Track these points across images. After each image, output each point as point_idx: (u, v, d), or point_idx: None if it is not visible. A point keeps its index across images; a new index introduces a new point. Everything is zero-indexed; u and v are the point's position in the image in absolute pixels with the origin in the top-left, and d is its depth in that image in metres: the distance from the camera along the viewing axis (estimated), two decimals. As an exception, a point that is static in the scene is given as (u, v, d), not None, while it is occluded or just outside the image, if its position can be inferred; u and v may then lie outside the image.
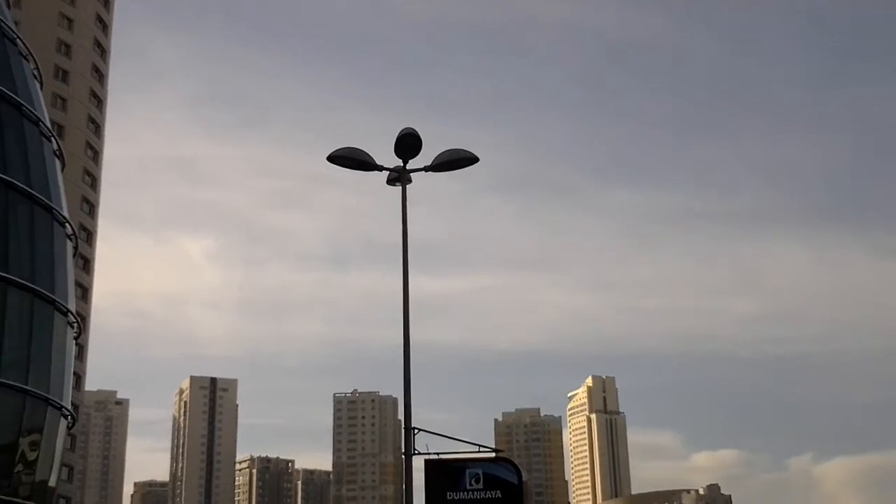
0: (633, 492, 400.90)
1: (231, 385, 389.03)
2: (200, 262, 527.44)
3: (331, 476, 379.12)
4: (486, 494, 19.30)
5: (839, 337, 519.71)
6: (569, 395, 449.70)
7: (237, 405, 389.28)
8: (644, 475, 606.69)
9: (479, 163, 21.11)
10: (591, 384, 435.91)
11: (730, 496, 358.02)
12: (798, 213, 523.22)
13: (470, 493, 19.31)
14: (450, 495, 19.25)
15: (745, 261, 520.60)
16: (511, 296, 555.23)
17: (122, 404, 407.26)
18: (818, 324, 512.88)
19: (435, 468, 19.37)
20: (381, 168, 21.24)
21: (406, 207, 21.32)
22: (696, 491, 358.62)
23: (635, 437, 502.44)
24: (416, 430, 19.62)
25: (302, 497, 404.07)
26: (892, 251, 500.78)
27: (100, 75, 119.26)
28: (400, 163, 21.08)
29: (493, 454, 20.18)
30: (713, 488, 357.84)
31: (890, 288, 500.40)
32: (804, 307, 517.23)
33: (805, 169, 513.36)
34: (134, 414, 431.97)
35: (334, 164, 20.86)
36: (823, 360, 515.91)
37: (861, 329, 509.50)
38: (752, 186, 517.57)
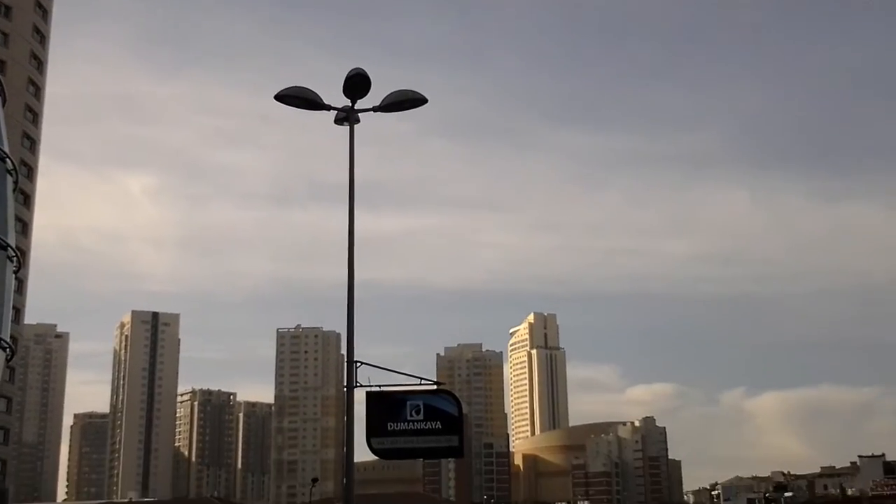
0: (571, 424, 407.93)
1: (173, 320, 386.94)
2: (142, 199, 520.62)
3: (272, 409, 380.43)
4: (426, 425, 19.69)
5: (775, 278, 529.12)
6: (511, 331, 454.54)
7: (179, 339, 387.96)
8: (581, 408, 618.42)
9: (428, 105, 21.32)
10: (532, 321, 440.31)
11: (664, 428, 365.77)
12: (739, 157, 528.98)
13: (410, 423, 19.69)
14: (390, 426, 19.65)
15: (685, 203, 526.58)
16: (456, 236, 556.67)
17: (62, 337, 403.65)
18: (755, 265, 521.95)
19: (376, 399, 19.77)
20: (328, 108, 21.35)
21: (353, 147, 21.56)
22: (632, 423, 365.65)
23: (574, 372, 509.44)
24: (358, 364, 19.91)
25: (243, 429, 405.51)
26: (830, 195, 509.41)
27: (43, 11, 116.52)
28: (348, 103, 21.26)
29: (434, 387, 20.47)
30: (648, 420, 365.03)
31: (825, 231, 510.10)
32: (742, 248, 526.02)
33: (747, 113, 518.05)
34: (74, 347, 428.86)
35: (282, 102, 20.98)
36: (758, 299, 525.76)
37: (796, 270, 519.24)
38: (695, 130, 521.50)
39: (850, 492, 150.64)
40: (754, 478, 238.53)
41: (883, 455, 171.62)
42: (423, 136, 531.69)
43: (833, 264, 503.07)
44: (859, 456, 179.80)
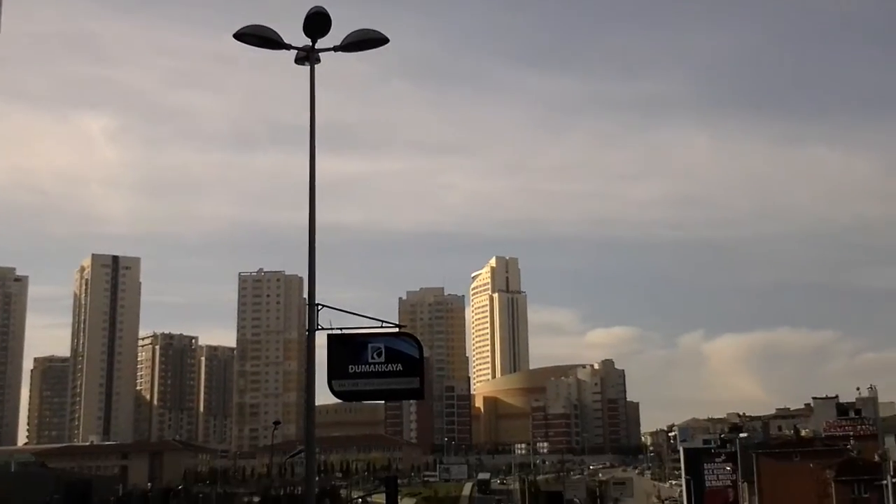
0: (531, 367, 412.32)
1: (134, 263, 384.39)
2: (100, 141, 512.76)
3: (234, 352, 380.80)
4: (387, 367, 19.80)
5: (734, 222, 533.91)
6: (473, 275, 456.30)
7: (140, 283, 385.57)
8: (542, 351, 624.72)
9: (390, 47, 21.10)
10: (494, 265, 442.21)
11: (623, 371, 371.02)
12: (703, 101, 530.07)
13: (372, 366, 19.78)
14: (352, 368, 19.71)
15: (648, 147, 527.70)
16: (419, 179, 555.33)
17: (22, 281, 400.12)
18: (715, 209, 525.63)
19: (337, 342, 19.79)
20: (288, 47, 21.04)
21: (314, 88, 21.31)
22: (591, 366, 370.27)
23: (535, 316, 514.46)
24: (319, 307, 19.90)
25: (205, 373, 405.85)
26: (793, 140, 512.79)
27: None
28: (309, 42, 20.98)
29: (396, 329, 20.55)
30: (607, 363, 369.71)
31: (788, 176, 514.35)
32: (702, 193, 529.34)
33: (712, 57, 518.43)
34: (34, 291, 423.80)
35: (241, 41, 20.65)
36: (717, 243, 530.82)
37: (755, 214, 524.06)
38: (660, 73, 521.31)
39: (803, 433, 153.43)
40: (710, 419, 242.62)
41: (836, 397, 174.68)
42: (385, 78, 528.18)
43: (792, 209, 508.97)
44: (813, 398, 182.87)
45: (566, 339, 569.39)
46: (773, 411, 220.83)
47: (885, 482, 63.58)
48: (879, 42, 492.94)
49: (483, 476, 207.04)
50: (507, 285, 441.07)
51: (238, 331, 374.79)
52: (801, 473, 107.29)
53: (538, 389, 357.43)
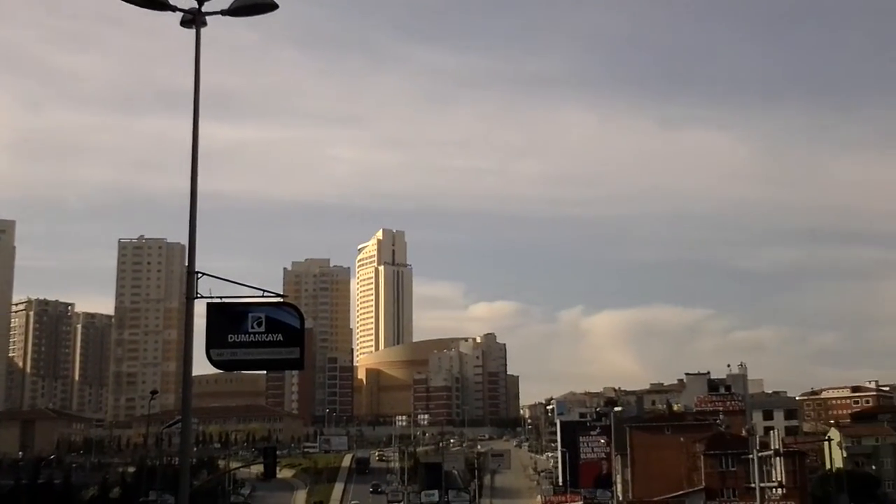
0: (415, 340, 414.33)
1: (8, 226, 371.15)
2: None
3: (112, 320, 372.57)
4: (267, 337, 19.69)
5: (615, 200, 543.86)
6: (359, 247, 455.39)
7: (14, 247, 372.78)
8: (426, 324, 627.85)
9: (279, 14, 20.87)
10: (380, 237, 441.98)
11: (504, 345, 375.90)
12: (593, 80, 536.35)
13: (252, 335, 19.64)
14: (231, 338, 19.55)
15: (536, 124, 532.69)
16: (306, 149, 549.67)
17: None
18: (598, 187, 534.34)
19: (217, 311, 19.59)
20: (174, 8, 20.67)
21: (199, 52, 20.98)
22: (473, 339, 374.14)
23: (420, 289, 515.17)
24: (199, 275, 19.66)
25: (81, 340, 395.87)
26: (678, 122, 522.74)
27: None
28: (195, 4, 20.65)
29: (277, 299, 20.45)
30: (489, 337, 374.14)
31: (672, 156, 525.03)
32: (587, 171, 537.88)
33: (603, 36, 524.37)
34: None
35: (126, 2, 20.19)
36: (598, 221, 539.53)
37: (637, 194, 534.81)
38: (550, 51, 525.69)
39: (675, 407, 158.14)
40: (587, 393, 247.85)
41: (708, 373, 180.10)
42: (273, 45, 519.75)
43: (671, 189, 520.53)
44: (686, 374, 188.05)
45: (449, 313, 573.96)
46: (647, 386, 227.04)
47: (751, 456, 66.08)
48: (762, 27, 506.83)
49: (361, 454, 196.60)
50: (393, 258, 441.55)
51: (116, 298, 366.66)
52: (672, 446, 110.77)
53: (421, 362, 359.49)
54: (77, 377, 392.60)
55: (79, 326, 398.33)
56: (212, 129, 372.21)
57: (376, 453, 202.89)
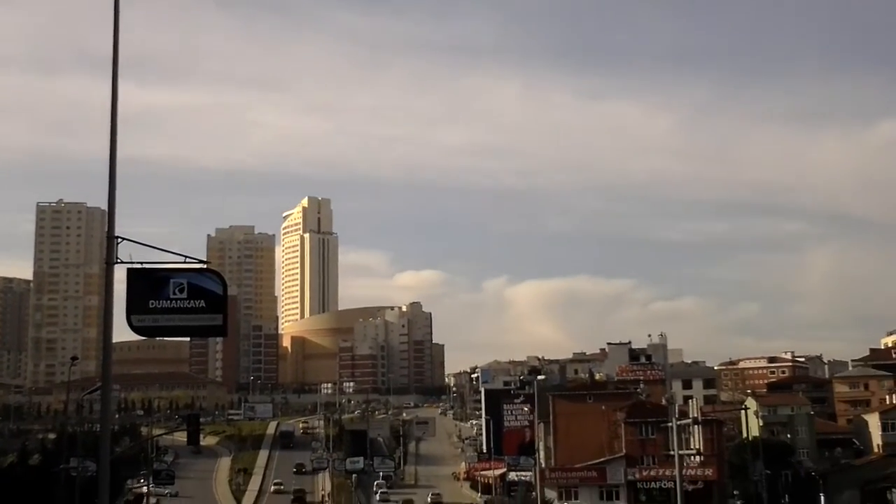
0: (340, 308, 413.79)
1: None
2: None
3: (31, 285, 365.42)
4: (189, 304, 19.50)
5: (539, 172, 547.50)
6: (284, 214, 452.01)
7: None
8: (351, 293, 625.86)
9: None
10: (306, 205, 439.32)
11: (430, 314, 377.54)
12: (514, 49, 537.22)
13: (173, 302, 19.44)
14: (152, 304, 19.33)
15: (460, 92, 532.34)
16: (228, 114, 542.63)
17: None
18: (521, 158, 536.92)
19: (137, 276, 19.33)
20: (93, -31, 20.29)
21: (118, 11, 20.64)
22: (399, 308, 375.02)
23: (345, 257, 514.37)
24: (119, 239, 19.40)
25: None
26: (597, 94, 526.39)
27: None
28: (114, -35, 20.26)
29: (199, 265, 20.23)
30: (415, 306, 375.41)
31: (590, 129, 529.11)
32: (511, 141, 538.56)
33: (524, 5, 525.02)
34: None
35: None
36: (523, 192, 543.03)
37: (558, 165, 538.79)
38: (475, 18, 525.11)
39: (598, 376, 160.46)
40: (511, 362, 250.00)
41: (629, 343, 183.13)
42: (194, 7, 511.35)
43: (594, 161, 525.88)
44: (608, 343, 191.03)
45: (375, 281, 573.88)
46: (570, 355, 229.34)
47: (670, 424, 67.29)
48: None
49: (286, 428, 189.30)
50: (319, 226, 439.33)
51: (35, 263, 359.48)
52: (594, 414, 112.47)
53: (346, 330, 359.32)
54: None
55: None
56: (132, 92, 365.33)
57: (300, 425, 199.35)
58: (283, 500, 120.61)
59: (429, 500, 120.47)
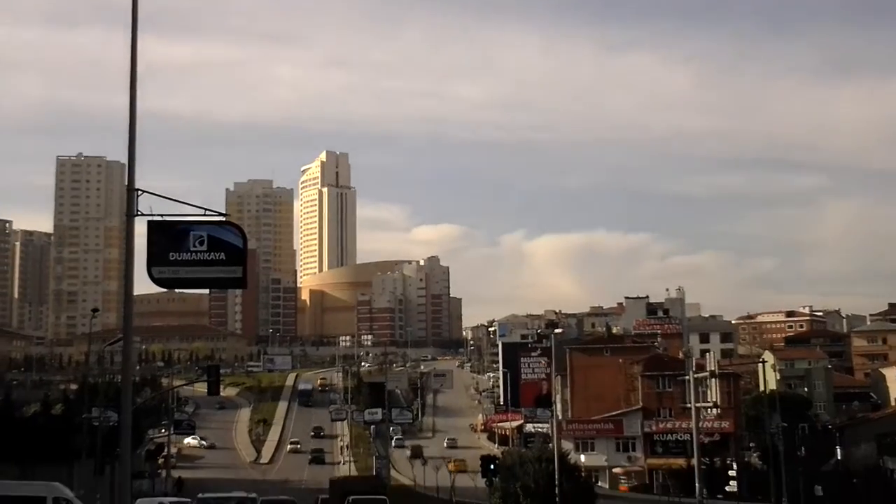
0: (358, 262, 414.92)
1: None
2: None
3: (52, 238, 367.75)
4: (209, 256, 19.56)
5: (559, 125, 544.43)
6: (302, 168, 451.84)
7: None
8: (369, 247, 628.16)
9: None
10: (324, 159, 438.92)
11: (447, 268, 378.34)
12: (535, 2, 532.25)
13: (193, 254, 19.51)
14: (172, 256, 19.42)
15: (480, 46, 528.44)
16: (248, 68, 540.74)
17: None
18: (541, 112, 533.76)
19: (158, 228, 19.44)
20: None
21: (137, -35, 20.58)
22: (417, 262, 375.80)
23: (363, 211, 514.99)
24: (139, 192, 19.52)
25: (20, 258, 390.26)
26: (617, 48, 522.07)
27: None
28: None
29: (219, 218, 20.28)
30: (433, 260, 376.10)
31: (610, 83, 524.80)
32: (530, 95, 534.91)
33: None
34: None
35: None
36: (542, 146, 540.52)
37: (578, 119, 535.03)
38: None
39: (615, 330, 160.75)
40: (528, 316, 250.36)
41: (647, 297, 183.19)
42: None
43: (613, 115, 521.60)
44: (625, 297, 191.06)
45: (393, 235, 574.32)
46: (587, 309, 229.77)
47: (687, 377, 67.54)
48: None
49: (304, 387, 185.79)
50: (337, 180, 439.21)
51: (56, 216, 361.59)
52: (610, 368, 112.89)
53: (364, 284, 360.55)
54: (16, 295, 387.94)
55: (17, 244, 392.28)
56: (152, 46, 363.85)
57: (319, 380, 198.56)
58: (300, 458, 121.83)
59: (445, 444, 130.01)
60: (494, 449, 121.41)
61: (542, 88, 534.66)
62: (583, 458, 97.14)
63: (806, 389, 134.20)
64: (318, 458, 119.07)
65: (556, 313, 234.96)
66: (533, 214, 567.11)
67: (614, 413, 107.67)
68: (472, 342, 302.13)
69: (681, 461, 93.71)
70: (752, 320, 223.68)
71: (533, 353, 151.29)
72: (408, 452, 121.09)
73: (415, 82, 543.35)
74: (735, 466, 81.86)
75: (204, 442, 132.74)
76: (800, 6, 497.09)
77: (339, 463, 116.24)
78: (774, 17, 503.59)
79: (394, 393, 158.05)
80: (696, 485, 64.01)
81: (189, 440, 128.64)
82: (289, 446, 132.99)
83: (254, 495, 32.63)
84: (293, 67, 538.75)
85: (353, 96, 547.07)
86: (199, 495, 40.93)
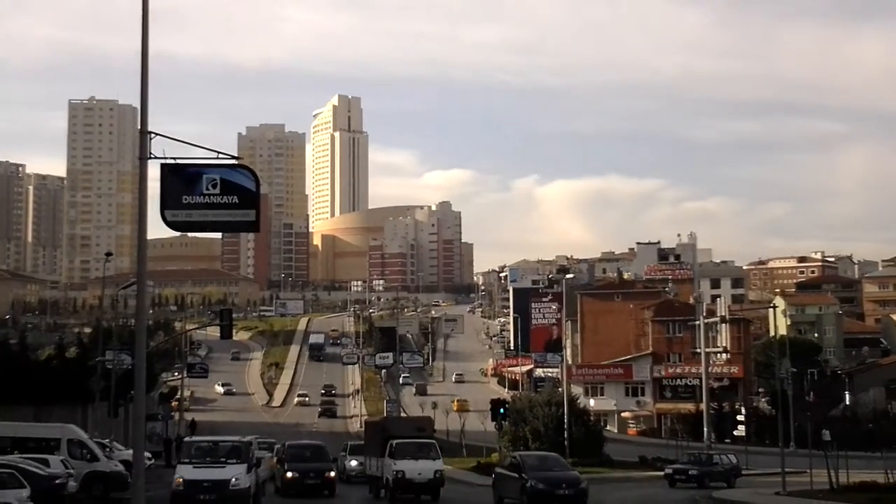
0: (370, 207, 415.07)
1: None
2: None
3: (65, 182, 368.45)
4: (222, 199, 19.59)
5: (570, 69, 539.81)
6: (314, 113, 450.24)
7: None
8: (381, 191, 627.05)
9: None
10: (336, 104, 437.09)
11: (459, 213, 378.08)
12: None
13: (207, 197, 19.54)
14: (185, 199, 19.47)
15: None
16: (256, 10, 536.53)
17: None
18: (552, 56, 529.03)
19: (171, 172, 19.49)
20: None
21: None
22: (428, 207, 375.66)
23: (375, 156, 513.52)
24: (152, 135, 19.53)
25: (34, 202, 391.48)
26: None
27: None
28: None
29: (232, 161, 20.30)
30: (444, 205, 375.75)
31: (622, 25, 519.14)
32: (541, 39, 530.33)
33: None
34: None
35: None
36: (553, 90, 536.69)
37: (594, 64, 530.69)
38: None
39: (626, 275, 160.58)
40: (540, 261, 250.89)
41: (658, 242, 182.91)
42: None
43: (625, 58, 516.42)
44: (637, 243, 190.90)
45: (405, 180, 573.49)
46: (599, 255, 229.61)
47: (697, 322, 68.05)
48: None
49: (315, 340, 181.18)
50: (349, 125, 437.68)
51: (68, 160, 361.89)
52: (621, 313, 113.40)
53: (376, 229, 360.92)
54: (30, 239, 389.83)
55: (30, 188, 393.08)
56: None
57: (330, 331, 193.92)
58: (308, 410, 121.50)
59: (453, 378, 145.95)
60: (504, 393, 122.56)
61: (553, 31, 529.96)
62: (592, 402, 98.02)
63: (816, 335, 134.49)
64: (328, 410, 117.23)
65: (567, 258, 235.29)
66: (544, 159, 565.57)
67: (624, 358, 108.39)
68: (483, 287, 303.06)
69: (690, 406, 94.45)
70: (764, 266, 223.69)
71: (544, 299, 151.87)
72: (413, 390, 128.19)
73: (426, 24, 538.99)
74: (743, 411, 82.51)
75: (231, 387, 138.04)
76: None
77: (351, 417, 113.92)
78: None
79: (405, 337, 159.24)
80: (705, 429, 64.68)
81: (217, 387, 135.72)
82: (296, 399, 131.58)
83: (248, 439, 32.56)
84: (305, 9, 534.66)
85: (365, 39, 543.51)
86: (186, 439, 40.95)
